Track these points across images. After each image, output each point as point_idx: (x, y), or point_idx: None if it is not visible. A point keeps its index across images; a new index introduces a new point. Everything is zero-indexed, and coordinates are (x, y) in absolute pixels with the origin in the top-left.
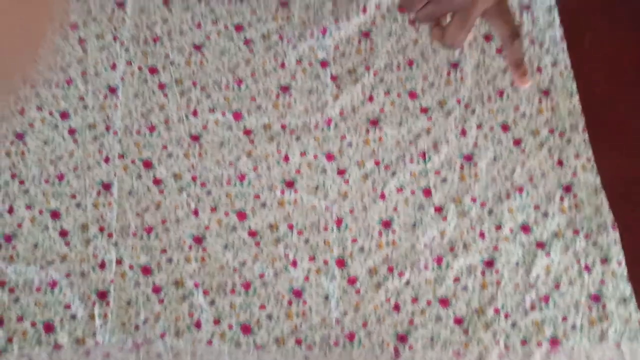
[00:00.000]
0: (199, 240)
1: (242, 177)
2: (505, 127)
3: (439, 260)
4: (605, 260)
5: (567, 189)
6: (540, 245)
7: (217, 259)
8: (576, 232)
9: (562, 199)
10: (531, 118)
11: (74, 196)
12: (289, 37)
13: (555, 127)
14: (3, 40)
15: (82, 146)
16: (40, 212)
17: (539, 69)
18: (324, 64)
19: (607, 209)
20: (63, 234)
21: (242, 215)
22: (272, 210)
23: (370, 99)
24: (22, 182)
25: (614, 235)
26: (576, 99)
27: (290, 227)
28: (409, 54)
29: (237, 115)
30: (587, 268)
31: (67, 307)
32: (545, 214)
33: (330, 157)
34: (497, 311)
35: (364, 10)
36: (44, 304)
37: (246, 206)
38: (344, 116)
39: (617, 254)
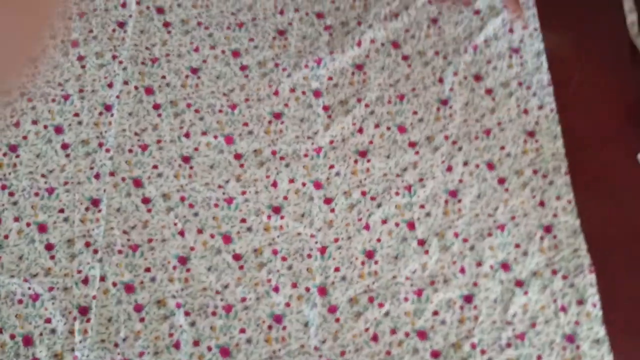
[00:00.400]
0: (183, 260)
1: (230, 201)
2: (490, 166)
3: (419, 293)
4: (581, 302)
5: (548, 229)
6: (519, 283)
7: (200, 280)
8: (554, 272)
9: (542, 239)
10: (516, 158)
11: (62, 210)
12: (285, 66)
13: (539, 168)
14: (2, 53)
15: (74, 161)
16: (28, 224)
17: (526, 111)
18: (317, 93)
19: (585, 251)
20: (49, 247)
21: (227, 239)
22: (258, 235)
23: (360, 130)
24: (12, 194)
25: (591, 277)
26: (560, 142)
27: (275, 252)
28: (400, 89)
29: (229, 139)
30: (563, 308)
31: (48, 321)
32: (525, 253)
33: (318, 185)
34: (473, 346)
35: (359, 44)
36: (25, 316)
37: (232, 229)
38: (333, 146)
39: (593, 296)
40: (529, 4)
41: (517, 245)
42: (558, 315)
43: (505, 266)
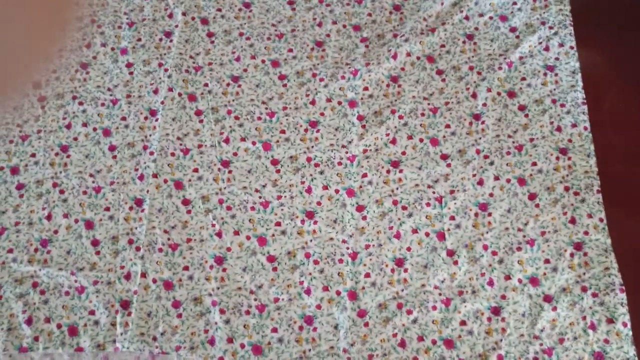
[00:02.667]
0: (220, 260)
1: (266, 204)
2: (521, 181)
3: (447, 302)
4: (611, 320)
5: (578, 246)
6: (548, 298)
7: (235, 280)
8: (584, 289)
9: (572, 255)
10: (547, 174)
11: (107, 209)
12: (322, 76)
13: (571, 185)
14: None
15: (120, 163)
16: (76, 221)
17: (559, 129)
18: (352, 103)
19: (616, 270)
20: (95, 243)
21: (262, 241)
22: (292, 239)
23: (394, 141)
24: (62, 192)
25: (621, 296)
26: (593, 160)
27: (307, 256)
28: (433, 102)
29: (267, 146)
30: (592, 326)
31: (92, 313)
32: (555, 269)
33: (350, 192)
34: (500, 358)
35: (395, 56)
36: (71, 307)
37: (267, 232)
38: (367, 155)
39: (624, 315)
40: (565, 23)
41: (547, 261)
42: (587, 333)
43: (534, 281)
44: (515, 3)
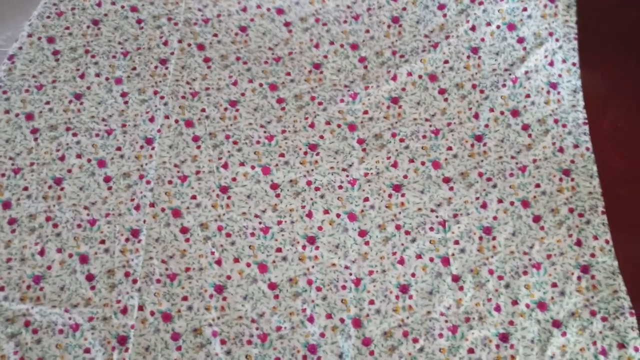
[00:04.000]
0: (220, 289)
1: (266, 230)
2: (525, 203)
3: (453, 330)
4: (622, 345)
5: (585, 269)
6: (557, 324)
7: (236, 309)
8: (593, 313)
9: (579, 278)
10: (551, 196)
11: (103, 242)
12: (320, 99)
13: (575, 207)
14: None
15: (116, 194)
16: (70, 255)
17: (561, 149)
18: (351, 127)
19: (625, 293)
20: (89, 278)
21: (263, 268)
22: (293, 265)
23: (395, 164)
24: (55, 226)
25: (632, 320)
26: (596, 181)
27: (310, 282)
28: (435, 124)
29: (266, 170)
30: (603, 351)
31: (87, 351)
32: (562, 293)
33: (352, 217)
34: None
35: (394, 78)
36: (65, 346)
37: (268, 259)
38: (368, 179)
39: (635, 339)
40: (570, 36)
41: (554, 285)
42: (598, 358)
43: (542, 305)
44: (525, 9)
